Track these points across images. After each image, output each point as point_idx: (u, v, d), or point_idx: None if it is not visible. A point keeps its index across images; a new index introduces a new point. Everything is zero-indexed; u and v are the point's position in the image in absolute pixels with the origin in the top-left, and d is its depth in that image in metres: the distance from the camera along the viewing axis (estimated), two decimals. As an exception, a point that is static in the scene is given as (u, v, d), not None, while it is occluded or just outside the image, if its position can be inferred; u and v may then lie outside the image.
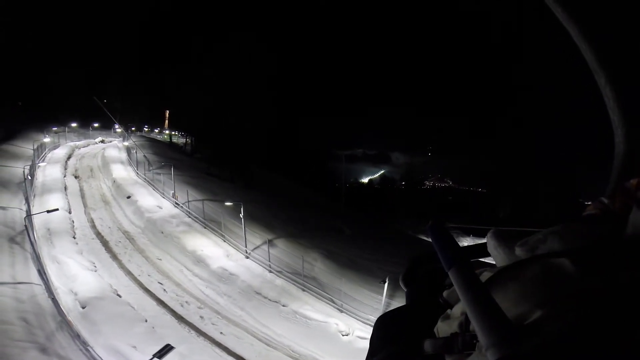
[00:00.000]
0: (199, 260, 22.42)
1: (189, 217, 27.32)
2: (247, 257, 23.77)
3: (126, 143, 41.46)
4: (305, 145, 75.87)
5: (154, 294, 19.79)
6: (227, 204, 24.73)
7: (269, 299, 20.41)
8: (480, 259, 1.12)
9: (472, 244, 1.18)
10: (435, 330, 0.93)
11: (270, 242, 25.06)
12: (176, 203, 28.94)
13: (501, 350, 0.52)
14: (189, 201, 28.38)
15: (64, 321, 15.12)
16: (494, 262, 1.03)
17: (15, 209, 24.51)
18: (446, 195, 77.13)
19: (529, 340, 0.55)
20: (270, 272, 22.55)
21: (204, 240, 24.46)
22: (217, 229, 26.14)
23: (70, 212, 26.45)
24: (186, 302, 19.88)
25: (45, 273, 16.81)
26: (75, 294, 16.98)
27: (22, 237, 21.24)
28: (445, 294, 1.03)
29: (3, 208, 23.98)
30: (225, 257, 23.22)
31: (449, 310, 0.93)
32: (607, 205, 0.91)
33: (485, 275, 0.84)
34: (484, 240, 1.07)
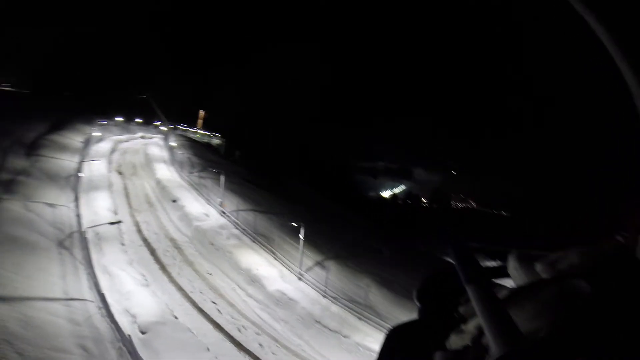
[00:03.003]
0: (254, 280, 20.17)
1: (237, 228, 25.08)
2: (300, 279, 21.46)
3: (172, 143, 39.41)
4: (328, 157, 73.46)
5: (210, 316, 17.56)
6: (293, 224, 22.46)
7: (329, 329, 18.27)
8: (500, 281, 1.04)
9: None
10: (447, 344, 0.91)
11: (321, 264, 22.99)
12: (222, 211, 26.71)
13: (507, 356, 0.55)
14: (238, 210, 26.11)
15: (123, 349, 12.87)
16: (512, 285, 0.99)
17: (63, 207, 22.49)
18: (471, 217, 73.49)
19: (536, 350, 0.57)
20: (325, 297, 20.31)
21: (257, 257, 22.20)
22: (266, 244, 23.91)
23: (116, 214, 24.30)
24: (243, 326, 17.68)
25: (101, 292, 14.57)
26: (134, 317, 14.74)
27: (71, 241, 19.17)
28: (461, 309, 1.00)
29: (51, 205, 21.96)
30: (280, 278, 20.94)
31: (462, 325, 0.90)
32: (621, 242, 0.88)
33: (503, 294, 0.83)
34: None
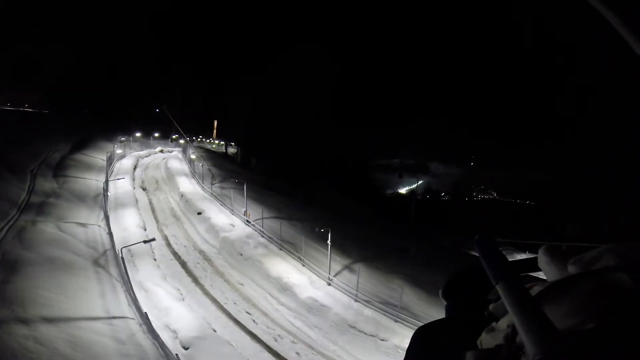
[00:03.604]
0: (285, 289, 20.17)
1: (263, 237, 25.15)
2: (329, 284, 21.34)
3: (193, 156, 39.97)
4: (343, 158, 72.88)
5: (246, 327, 17.68)
6: (321, 230, 21.95)
7: (365, 333, 18.12)
8: (530, 274, 1.04)
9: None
10: (478, 342, 0.89)
11: (349, 268, 22.88)
12: (247, 221, 26.85)
13: (548, 358, 0.52)
14: (263, 219, 26.19)
15: (168, 366, 13.00)
16: (543, 278, 0.97)
17: (95, 226, 22.97)
18: (493, 208, 71.39)
19: (575, 348, 0.54)
20: (357, 301, 20.12)
21: (285, 265, 22.20)
22: (293, 251, 23.88)
23: (145, 229, 24.75)
24: (279, 335, 17.72)
25: (140, 308, 14.77)
26: (174, 332, 14.94)
27: (105, 259, 19.53)
28: (491, 307, 0.97)
29: (83, 225, 22.46)
30: (310, 285, 20.87)
31: (494, 323, 0.89)
32: None
33: (535, 290, 0.81)
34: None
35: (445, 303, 1.27)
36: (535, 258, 1.01)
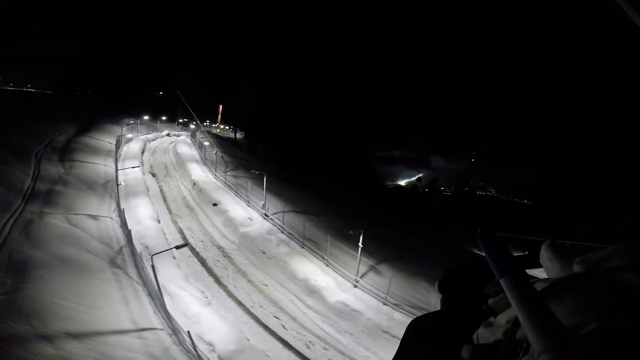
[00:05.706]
0: (313, 291, 18.70)
1: (283, 232, 23.48)
2: (356, 286, 19.95)
3: (206, 143, 37.46)
4: (348, 149, 70.93)
5: (276, 333, 16.26)
6: (356, 233, 19.87)
7: (399, 339, 16.73)
8: (529, 270, 0.95)
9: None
10: (474, 336, 0.86)
11: (374, 269, 21.60)
12: (265, 214, 25.09)
13: (555, 355, 0.51)
14: (281, 213, 24.44)
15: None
16: (537, 276, 0.89)
17: (107, 218, 20.93)
18: (493, 205, 70.25)
19: (583, 345, 0.53)
20: (386, 304, 18.81)
21: (310, 265, 20.68)
22: (316, 250, 22.33)
23: (159, 222, 22.79)
24: (310, 342, 16.39)
25: (172, 319, 13.09)
26: (210, 345, 13.31)
27: (122, 258, 17.61)
28: (490, 301, 0.92)
29: (94, 217, 20.40)
30: (337, 287, 19.43)
31: (492, 318, 0.86)
32: None
33: (538, 286, 0.77)
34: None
35: (441, 296, 1.18)
36: (530, 255, 0.95)
